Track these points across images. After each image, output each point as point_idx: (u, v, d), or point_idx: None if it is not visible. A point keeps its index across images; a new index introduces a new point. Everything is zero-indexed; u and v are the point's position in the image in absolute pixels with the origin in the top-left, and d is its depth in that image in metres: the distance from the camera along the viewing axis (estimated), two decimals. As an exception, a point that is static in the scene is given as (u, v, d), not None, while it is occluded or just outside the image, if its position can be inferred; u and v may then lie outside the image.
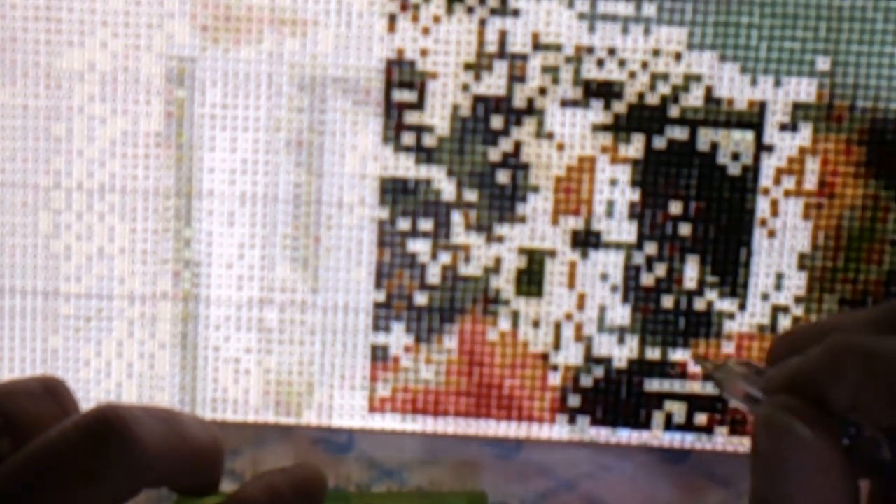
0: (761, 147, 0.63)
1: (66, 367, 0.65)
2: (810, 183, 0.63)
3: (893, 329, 0.33)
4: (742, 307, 0.64)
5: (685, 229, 0.64)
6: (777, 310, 0.64)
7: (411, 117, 0.63)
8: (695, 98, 0.63)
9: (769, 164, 0.63)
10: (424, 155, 0.63)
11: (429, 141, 0.63)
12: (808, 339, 0.35)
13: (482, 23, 0.62)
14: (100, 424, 0.30)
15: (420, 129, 0.63)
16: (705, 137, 0.63)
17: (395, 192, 0.64)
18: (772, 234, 0.64)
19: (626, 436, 0.65)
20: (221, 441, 0.34)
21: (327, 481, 0.37)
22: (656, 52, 0.62)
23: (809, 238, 0.64)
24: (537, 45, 0.62)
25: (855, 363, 0.32)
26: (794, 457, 0.32)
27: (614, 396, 0.65)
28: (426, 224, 0.64)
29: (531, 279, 0.64)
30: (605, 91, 0.63)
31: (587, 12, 0.62)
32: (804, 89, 0.63)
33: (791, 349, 0.35)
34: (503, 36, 0.62)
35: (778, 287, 0.64)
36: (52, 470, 0.29)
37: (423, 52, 0.62)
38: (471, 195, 0.64)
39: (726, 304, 0.64)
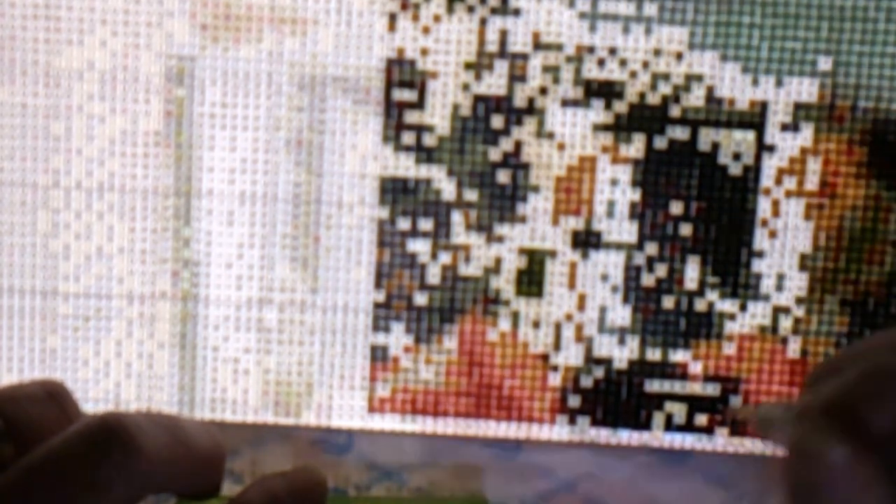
0: (762, 147, 0.63)
1: (65, 367, 0.65)
2: (811, 183, 0.63)
3: None
4: (743, 308, 0.64)
5: (686, 229, 0.63)
6: (778, 310, 0.64)
7: (411, 117, 0.63)
8: (696, 98, 0.63)
9: (770, 165, 0.63)
10: (424, 155, 0.63)
11: (429, 140, 0.63)
12: (846, 362, 0.33)
13: (483, 22, 0.62)
14: (102, 433, 0.29)
15: (420, 129, 0.63)
16: (706, 137, 0.63)
17: (395, 191, 0.63)
18: (773, 234, 0.64)
19: (626, 436, 0.65)
20: (223, 446, 0.34)
21: (328, 485, 0.36)
22: (657, 52, 0.62)
23: (811, 238, 0.64)
24: (538, 45, 0.62)
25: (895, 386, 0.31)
26: (831, 482, 0.31)
27: (615, 397, 0.65)
28: (426, 224, 0.64)
29: (531, 279, 0.64)
30: (606, 91, 0.63)
31: (588, 12, 0.62)
32: (805, 89, 0.62)
33: (829, 374, 0.33)
34: (504, 35, 0.62)
35: (779, 288, 0.64)
36: (55, 478, 0.29)
37: (424, 52, 0.62)
38: (471, 195, 0.63)
39: (727, 305, 0.64)
